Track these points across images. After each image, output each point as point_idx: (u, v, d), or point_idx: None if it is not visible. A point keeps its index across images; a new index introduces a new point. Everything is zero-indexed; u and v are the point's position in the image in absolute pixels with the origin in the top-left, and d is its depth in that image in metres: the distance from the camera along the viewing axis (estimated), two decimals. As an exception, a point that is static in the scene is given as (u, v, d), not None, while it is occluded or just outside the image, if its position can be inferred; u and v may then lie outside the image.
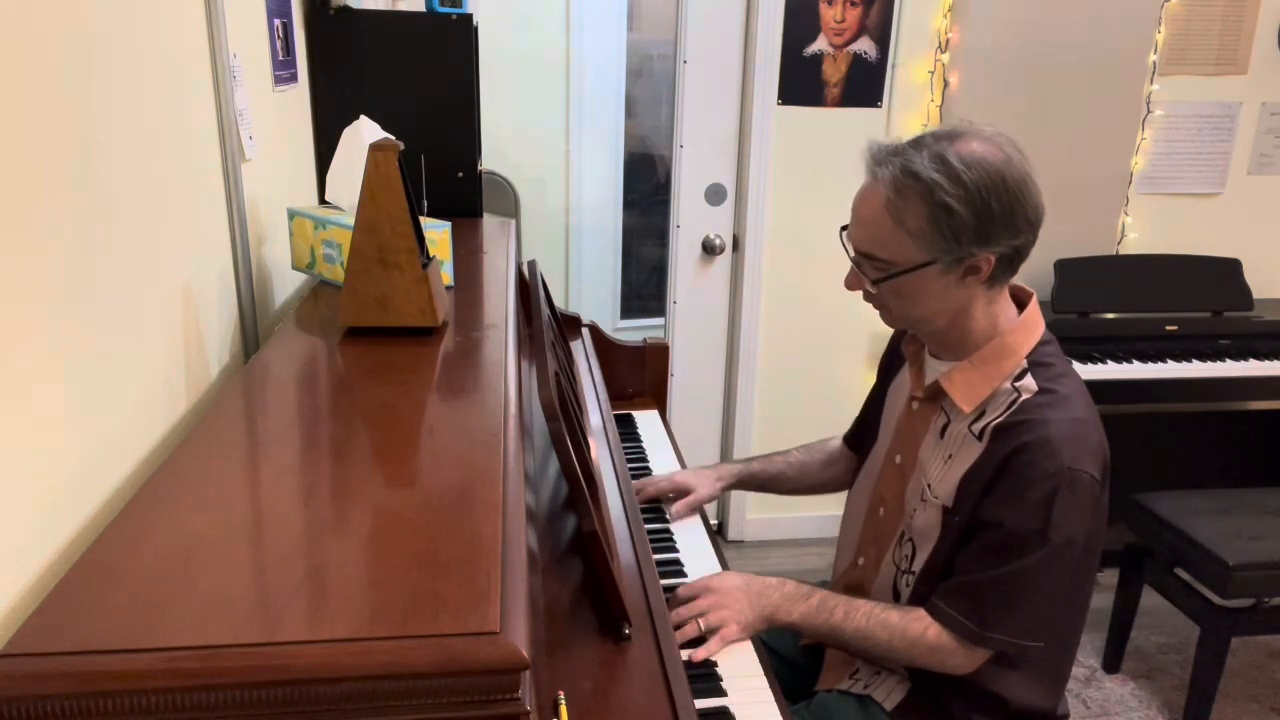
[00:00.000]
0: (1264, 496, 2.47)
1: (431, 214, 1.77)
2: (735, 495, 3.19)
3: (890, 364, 1.53)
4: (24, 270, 0.79)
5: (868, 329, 2.99)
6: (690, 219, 2.97)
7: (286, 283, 1.66)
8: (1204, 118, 2.97)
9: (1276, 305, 2.99)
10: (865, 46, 2.79)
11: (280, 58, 1.67)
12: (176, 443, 0.96)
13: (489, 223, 2.07)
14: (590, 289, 4.00)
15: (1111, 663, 2.60)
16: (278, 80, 1.66)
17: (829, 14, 2.74)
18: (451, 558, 0.75)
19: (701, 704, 1.11)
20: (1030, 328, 1.28)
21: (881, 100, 2.85)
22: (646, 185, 4.19)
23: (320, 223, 1.48)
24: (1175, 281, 2.88)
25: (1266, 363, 2.77)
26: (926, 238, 1.19)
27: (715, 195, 2.97)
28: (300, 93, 1.86)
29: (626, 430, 1.94)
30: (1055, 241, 2.83)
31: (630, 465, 1.72)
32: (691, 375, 3.10)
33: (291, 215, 1.54)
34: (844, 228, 1.29)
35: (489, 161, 2.60)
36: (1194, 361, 2.74)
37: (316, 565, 0.75)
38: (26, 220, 0.80)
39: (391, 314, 1.25)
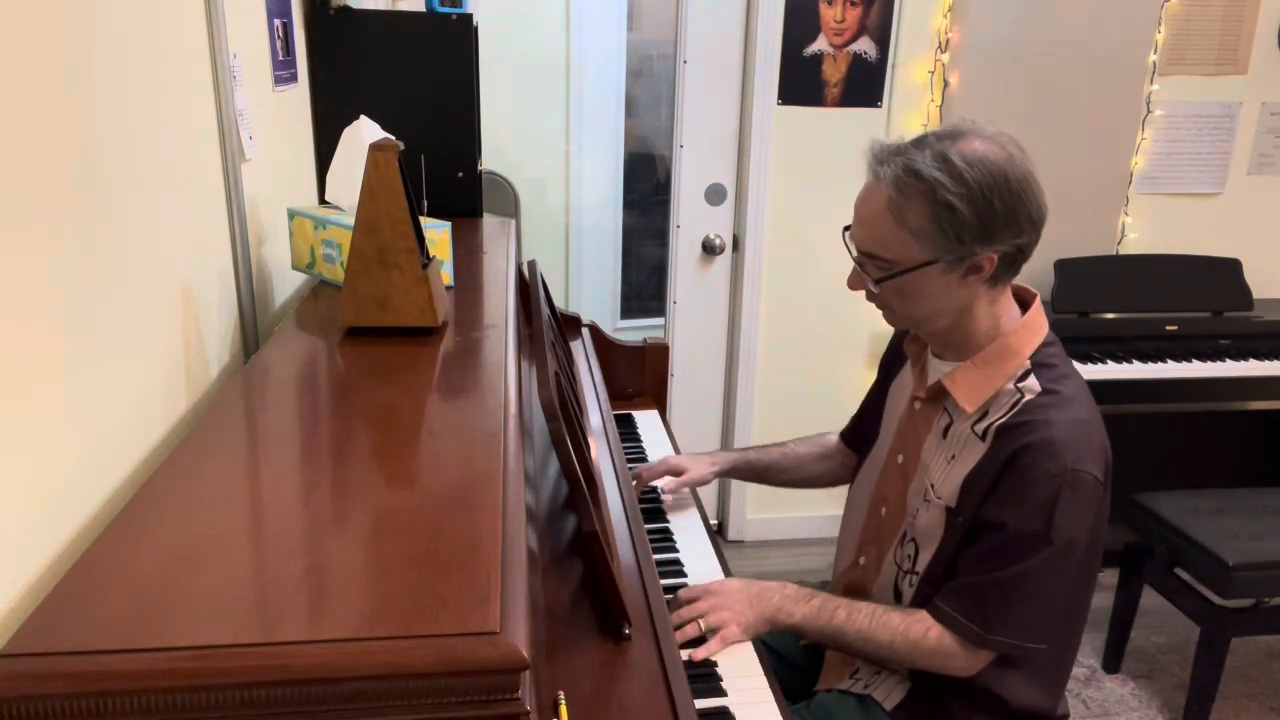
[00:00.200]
0: (1264, 496, 2.47)
1: (431, 214, 1.77)
2: (735, 494, 3.19)
3: (892, 363, 1.53)
4: (24, 270, 0.79)
5: (868, 329, 2.99)
6: (690, 219, 2.97)
7: (286, 283, 1.66)
8: (1204, 118, 2.97)
9: (1276, 305, 2.99)
10: (865, 46, 2.79)
11: (280, 58, 1.67)
12: (176, 443, 0.96)
13: (489, 223, 2.07)
14: (590, 289, 4.00)
15: (1111, 663, 2.60)
16: (278, 80, 1.66)
17: (829, 14, 2.74)
18: (451, 558, 0.75)
19: (701, 704, 1.11)
20: (1033, 328, 1.28)
21: (881, 100, 2.85)
22: (646, 185, 4.19)
23: (320, 223, 1.48)
24: (1175, 281, 2.88)
25: (1266, 363, 2.77)
26: (929, 236, 1.19)
27: (715, 195, 2.97)
28: (300, 93, 1.86)
29: (626, 430, 1.94)
30: (1055, 241, 2.82)
31: (630, 466, 1.72)
32: (691, 375, 3.10)
33: (291, 215, 1.54)
34: (846, 228, 1.29)
35: (489, 161, 2.60)
36: (1194, 361, 2.74)
37: (316, 565, 0.75)
38: (26, 220, 0.80)
39: (391, 314, 1.25)
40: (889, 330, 1.49)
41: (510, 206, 3.29)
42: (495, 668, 0.65)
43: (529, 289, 1.66)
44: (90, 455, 0.90)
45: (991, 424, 1.24)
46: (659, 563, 1.38)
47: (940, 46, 2.80)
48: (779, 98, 2.81)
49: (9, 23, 0.78)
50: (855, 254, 1.28)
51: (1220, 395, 2.77)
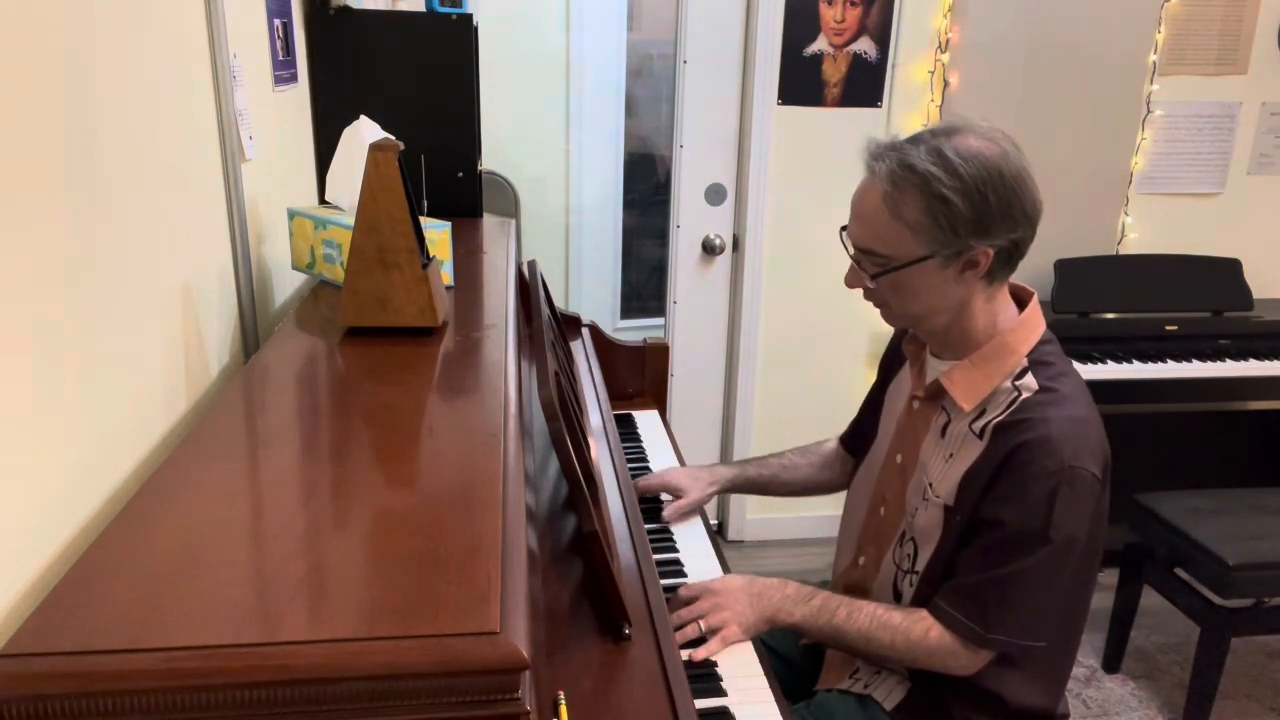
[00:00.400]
0: (1264, 496, 2.47)
1: (431, 214, 1.77)
2: (735, 495, 3.19)
3: (890, 364, 1.53)
4: (24, 270, 0.79)
5: (868, 329, 2.99)
6: (690, 219, 2.97)
7: (286, 283, 1.66)
8: (1204, 118, 2.97)
9: (1276, 305, 2.99)
10: (865, 46, 2.79)
11: (280, 58, 1.67)
12: (176, 443, 0.96)
13: (489, 223, 2.07)
14: (590, 289, 4.00)
15: (1111, 663, 2.60)
16: (278, 80, 1.66)
17: (829, 14, 2.74)
18: (451, 558, 0.75)
19: (701, 704, 1.11)
20: (1030, 327, 1.29)
21: (881, 100, 2.84)
22: (646, 185, 4.19)
23: (320, 223, 1.48)
24: (1175, 281, 2.87)
25: (1266, 363, 2.77)
26: (924, 231, 1.19)
27: (715, 195, 2.97)
28: (300, 93, 1.86)
29: (626, 430, 1.94)
30: (1055, 241, 2.83)
31: (630, 465, 1.72)
32: (691, 375, 3.10)
33: (291, 215, 1.54)
34: (844, 228, 1.30)
35: (489, 161, 2.60)
36: (1194, 361, 2.74)
37: (316, 565, 0.75)
38: (26, 220, 0.80)
39: (391, 314, 1.25)
40: (889, 330, 1.49)
41: (510, 206, 3.29)
42: (495, 668, 0.65)
43: (529, 289, 1.66)
44: (90, 455, 0.90)
45: (989, 422, 1.24)
46: (659, 563, 1.38)
47: (940, 46, 2.80)
48: (779, 98, 2.81)
49: (9, 22, 0.78)
50: (852, 251, 1.29)
51: (1220, 395, 2.77)
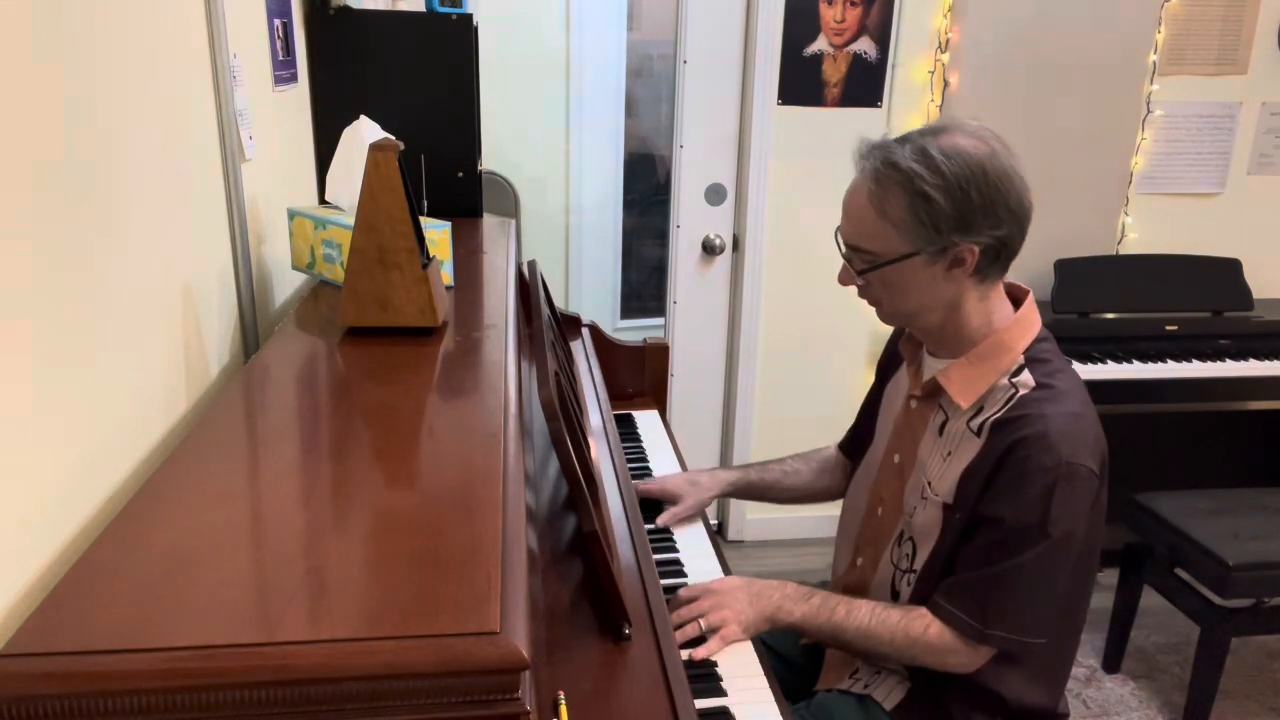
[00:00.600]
0: (1264, 496, 2.47)
1: (431, 214, 1.77)
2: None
3: (888, 366, 1.53)
4: (24, 270, 0.79)
5: (868, 329, 2.99)
6: (690, 219, 2.97)
7: (286, 283, 1.66)
8: (1204, 118, 2.97)
9: (1276, 305, 2.99)
10: (865, 46, 2.79)
11: (280, 58, 1.67)
12: (176, 443, 0.96)
13: (489, 223, 2.07)
14: (590, 289, 4.00)
15: (1111, 663, 2.60)
16: (278, 80, 1.66)
17: (829, 14, 2.74)
18: (451, 558, 0.75)
19: (701, 704, 1.11)
20: (1026, 324, 1.29)
21: (881, 100, 2.84)
22: (646, 185, 4.19)
23: (320, 223, 1.48)
24: (1175, 281, 2.87)
25: (1266, 363, 2.77)
26: (908, 228, 1.21)
27: (715, 195, 2.97)
28: (300, 93, 1.86)
29: (626, 430, 1.94)
30: (1055, 241, 2.83)
31: (630, 465, 1.72)
32: (691, 375, 3.10)
33: (291, 215, 1.54)
34: (839, 228, 1.31)
35: (489, 161, 2.60)
36: (1194, 361, 2.74)
37: (316, 565, 0.75)
38: (26, 220, 0.80)
39: (391, 314, 1.25)
40: (889, 330, 1.49)
41: (510, 206, 3.29)
42: (495, 668, 0.65)
43: (529, 289, 1.66)
44: (90, 455, 0.90)
45: (987, 419, 1.24)
46: (659, 563, 1.38)
47: (940, 46, 2.80)
48: (779, 98, 2.81)
49: (7, 22, 0.78)
50: (843, 249, 1.31)
51: (1220, 395, 2.77)
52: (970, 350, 1.28)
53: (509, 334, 1.30)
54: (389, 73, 1.95)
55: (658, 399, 2.09)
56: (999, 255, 1.24)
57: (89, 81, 0.93)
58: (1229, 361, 2.76)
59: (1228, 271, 2.88)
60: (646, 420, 2.00)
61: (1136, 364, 2.71)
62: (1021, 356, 1.26)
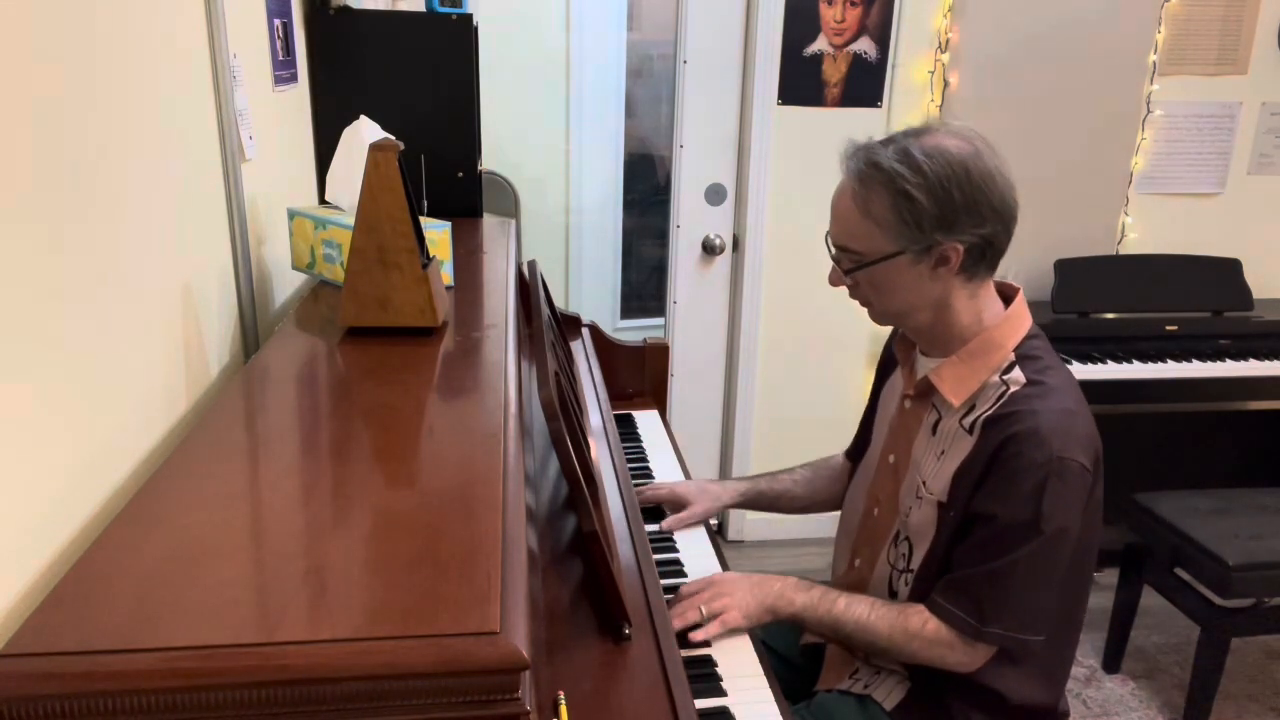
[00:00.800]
0: (1264, 496, 2.47)
1: (431, 214, 1.77)
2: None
3: (885, 369, 1.54)
4: (24, 270, 0.79)
5: (867, 329, 2.97)
6: (690, 219, 2.97)
7: (286, 283, 1.66)
8: (1204, 118, 2.97)
9: (1276, 305, 2.99)
10: (865, 46, 2.79)
11: (280, 58, 1.67)
12: (176, 443, 0.96)
13: (489, 223, 2.07)
14: (590, 289, 4.00)
15: (1111, 663, 2.60)
16: (278, 80, 1.66)
17: (829, 14, 2.74)
18: (451, 558, 0.75)
19: (701, 704, 1.11)
20: (1016, 322, 1.29)
21: (881, 100, 2.85)
22: (646, 185, 4.19)
23: (320, 223, 1.48)
24: (1175, 281, 2.87)
25: (1266, 363, 2.77)
26: (892, 227, 1.22)
27: (715, 195, 2.97)
28: (300, 93, 1.86)
29: (626, 430, 1.94)
30: (1055, 241, 2.83)
31: (630, 465, 1.72)
32: (691, 375, 3.10)
33: (291, 215, 1.54)
34: (828, 230, 1.32)
35: (489, 161, 2.60)
36: (1194, 361, 2.74)
37: (316, 565, 0.75)
38: (25, 220, 0.80)
39: (391, 314, 1.25)
40: (888, 331, 1.49)
41: (510, 206, 3.29)
42: (495, 668, 0.65)
43: (529, 289, 1.66)
44: (90, 455, 0.90)
45: (979, 417, 1.25)
46: (659, 563, 1.38)
47: (940, 46, 2.80)
48: (779, 98, 2.81)
49: (7, 22, 0.78)
50: (832, 251, 1.32)
51: (1220, 395, 2.77)
52: (961, 348, 1.29)
53: (509, 334, 1.30)
54: (389, 73, 1.95)
55: (658, 399, 2.09)
56: (985, 254, 1.24)
57: (89, 81, 0.93)
58: (1229, 361, 2.76)
59: (1228, 271, 2.88)
60: (646, 420, 2.01)
61: (1136, 364, 2.71)
62: (1012, 354, 1.27)
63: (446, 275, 1.49)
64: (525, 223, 3.43)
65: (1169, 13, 2.84)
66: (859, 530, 1.46)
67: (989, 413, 1.24)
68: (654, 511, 1.64)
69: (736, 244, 3.01)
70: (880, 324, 1.38)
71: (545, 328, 1.43)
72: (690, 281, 3.03)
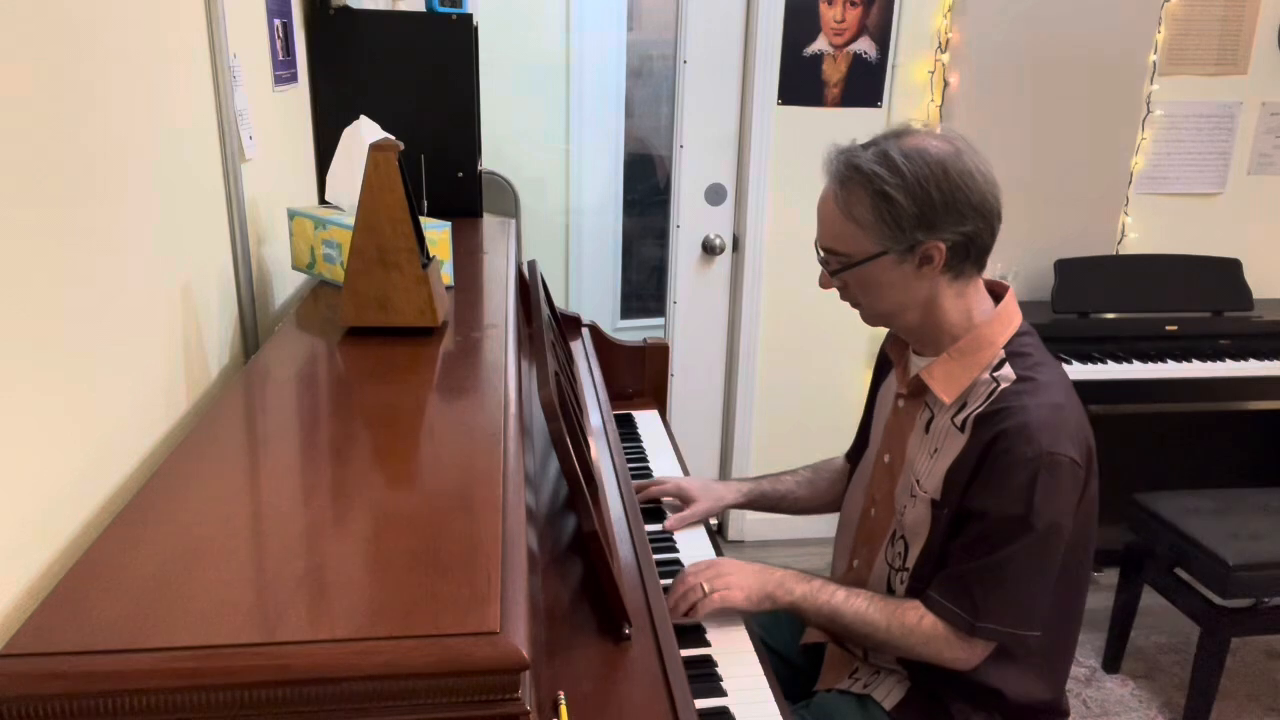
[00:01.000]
0: (1264, 496, 2.47)
1: (431, 214, 1.77)
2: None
3: (880, 370, 1.55)
4: (24, 271, 0.79)
5: (867, 329, 2.97)
6: (690, 219, 2.97)
7: (286, 283, 1.66)
8: (1204, 118, 2.97)
9: (1276, 305, 2.99)
10: (865, 46, 2.79)
11: (280, 58, 1.67)
12: (176, 443, 0.96)
13: (489, 223, 2.07)
14: (590, 289, 3.99)
15: (1111, 663, 2.60)
16: (278, 80, 1.66)
17: (829, 14, 2.74)
18: (451, 558, 0.75)
19: (701, 704, 1.11)
20: (1005, 319, 1.30)
21: (881, 100, 2.84)
22: (646, 185, 4.19)
23: (320, 223, 1.48)
24: (1175, 281, 2.87)
25: (1266, 363, 2.77)
26: (873, 228, 1.24)
27: (715, 195, 2.97)
28: (300, 93, 1.87)
29: (626, 430, 1.94)
30: (1055, 241, 2.83)
31: (630, 465, 1.72)
32: (691, 375, 3.10)
33: (291, 215, 1.54)
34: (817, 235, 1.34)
35: (489, 161, 2.60)
36: (1194, 361, 2.74)
37: (316, 565, 0.75)
38: (26, 220, 0.80)
39: (391, 314, 1.25)
40: (886, 331, 1.49)
41: (510, 206, 3.28)
42: (495, 668, 0.65)
43: (529, 289, 1.66)
44: (90, 455, 0.90)
45: (970, 414, 1.25)
46: (659, 563, 1.38)
47: (940, 46, 2.80)
48: (779, 98, 2.81)
49: (8, 22, 0.78)
50: (820, 254, 1.33)
51: (1220, 395, 2.77)
52: (951, 346, 1.30)
53: (509, 334, 1.30)
54: (389, 73, 1.95)
55: (658, 399, 2.09)
56: (969, 252, 1.25)
57: (89, 81, 0.93)
58: (1229, 361, 2.76)
59: (1228, 271, 2.88)
60: (646, 420, 2.01)
61: (1137, 364, 2.71)
62: (1002, 351, 1.28)
63: (446, 275, 1.49)
64: (525, 223, 3.42)
65: (1169, 13, 2.84)
66: (857, 530, 1.47)
67: (980, 410, 1.24)
68: (654, 511, 1.64)
69: (736, 244, 3.01)
70: (871, 325, 1.38)
71: (545, 328, 1.43)
72: (690, 281, 3.03)
